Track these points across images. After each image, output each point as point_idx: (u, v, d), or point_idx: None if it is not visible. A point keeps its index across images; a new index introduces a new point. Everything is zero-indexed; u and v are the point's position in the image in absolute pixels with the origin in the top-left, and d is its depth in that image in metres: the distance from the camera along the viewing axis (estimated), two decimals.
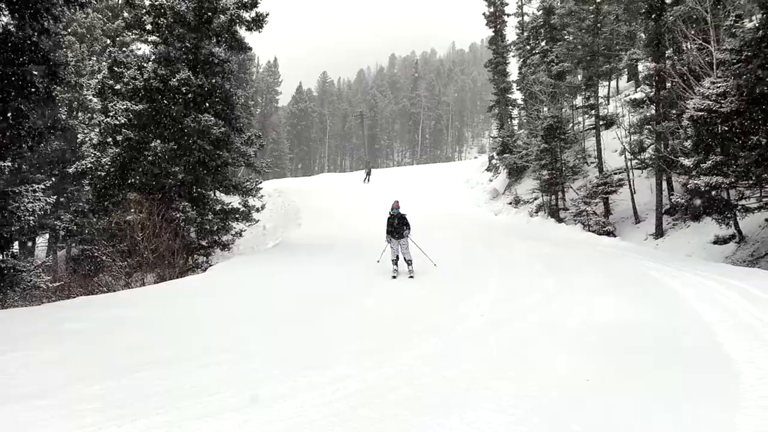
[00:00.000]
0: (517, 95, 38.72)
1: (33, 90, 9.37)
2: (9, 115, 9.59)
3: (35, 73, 9.32)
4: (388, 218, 13.23)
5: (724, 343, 6.47)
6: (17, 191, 9.84)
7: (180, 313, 9.20)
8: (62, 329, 7.67)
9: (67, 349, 6.71)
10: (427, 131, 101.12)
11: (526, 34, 36.31)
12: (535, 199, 27.15)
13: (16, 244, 11.08)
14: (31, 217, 9.98)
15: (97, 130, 23.28)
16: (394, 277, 12.50)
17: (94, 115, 24.48)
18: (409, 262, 12.65)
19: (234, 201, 18.56)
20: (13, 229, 9.99)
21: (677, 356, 6.26)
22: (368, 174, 41.78)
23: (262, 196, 19.07)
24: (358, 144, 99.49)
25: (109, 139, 15.91)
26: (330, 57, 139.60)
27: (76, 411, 4.64)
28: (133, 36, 32.42)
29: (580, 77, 29.49)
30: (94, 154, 14.87)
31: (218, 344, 7.08)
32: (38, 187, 10.32)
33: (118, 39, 30.98)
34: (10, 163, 10.33)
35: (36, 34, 9.30)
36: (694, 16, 19.19)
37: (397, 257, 12.85)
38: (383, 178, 42.88)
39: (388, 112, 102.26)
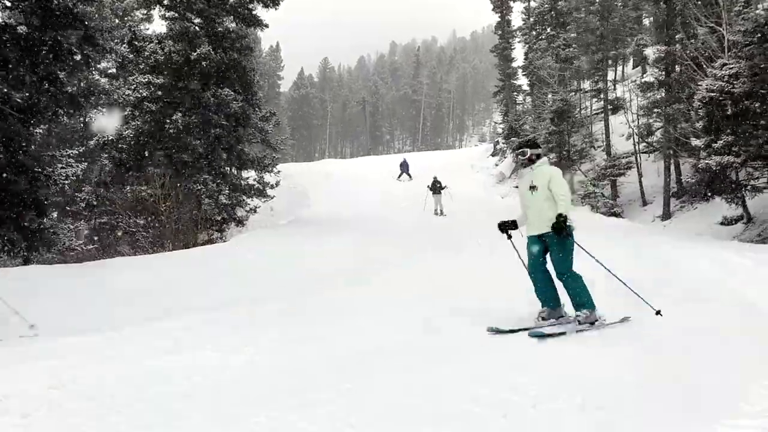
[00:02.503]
0: (522, 81, 38.94)
1: (69, 56, 9.58)
2: (44, 81, 9.77)
3: (73, 39, 9.50)
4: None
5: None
6: (53, 155, 10.07)
7: (213, 271, 9.48)
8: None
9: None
10: (428, 119, 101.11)
11: (532, 19, 36.40)
12: None
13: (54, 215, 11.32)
14: (66, 182, 10.21)
15: (104, 110, 23.31)
16: None
17: (102, 96, 24.60)
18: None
19: (249, 177, 18.79)
20: (50, 192, 10.21)
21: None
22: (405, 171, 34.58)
23: (278, 171, 19.30)
24: (359, 131, 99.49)
25: (128, 112, 16.08)
26: (330, 42, 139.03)
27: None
28: (141, 17, 32.46)
29: (585, 63, 29.67)
30: (116, 126, 15.07)
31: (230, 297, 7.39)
32: (72, 153, 10.55)
33: (126, 18, 30.96)
34: (42, 130, 10.50)
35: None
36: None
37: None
38: (387, 164, 43.02)
39: (389, 99, 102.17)
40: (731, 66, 15.66)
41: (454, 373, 4.22)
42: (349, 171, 38.84)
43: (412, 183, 31.94)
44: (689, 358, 4.82)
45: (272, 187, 19.05)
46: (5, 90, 9.54)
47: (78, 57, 9.69)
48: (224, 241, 16.60)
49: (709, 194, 18.00)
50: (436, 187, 22.17)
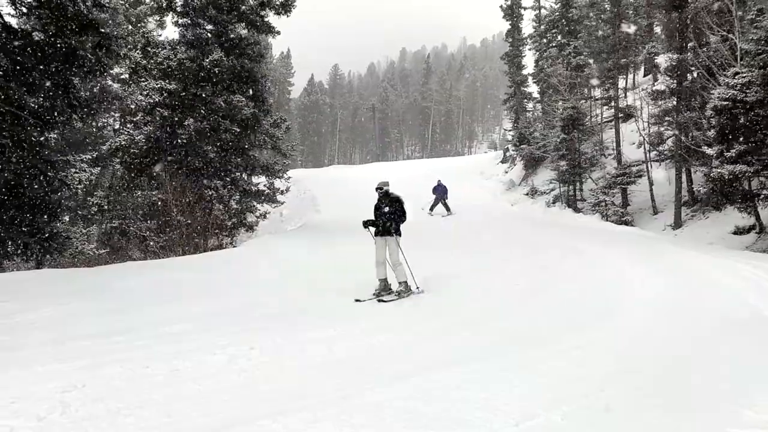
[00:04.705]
0: (532, 88, 38.95)
1: (83, 62, 9.70)
2: (58, 86, 9.89)
3: (89, 44, 9.62)
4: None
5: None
6: (66, 160, 10.19)
7: (220, 277, 9.52)
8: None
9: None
10: (438, 126, 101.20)
11: (543, 27, 36.44)
12: (552, 189, 27.36)
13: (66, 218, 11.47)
14: (79, 187, 10.32)
15: (117, 115, 23.52)
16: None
17: (115, 101, 24.88)
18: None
19: (260, 183, 18.88)
20: (64, 196, 10.32)
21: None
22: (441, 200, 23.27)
23: (289, 177, 19.39)
24: (368, 137, 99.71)
25: (139, 118, 16.23)
26: (341, 49, 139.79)
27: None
28: (155, 23, 32.80)
29: (595, 70, 29.62)
30: (129, 132, 15.21)
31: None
32: (85, 157, 10.68)
33: (139, 24, 31.31)
34: (56, 135, 10.62)
35: (88, 6, 9.60)
36: (718, 8, 19.31)
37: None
38: (396, 170, 43.17)
39: (398, 106, 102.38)
40: (744, 75, 15.59)
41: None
42: (358, 177, 38.93)
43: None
44: (690, 364, 4.79)
45: (282, 192, 19.12)
46: (20, 95, 9.67)
47: (92, 62, 9.81)
48: (234, 247, 16.66)
49: (722, 203, 17.85)
50: (379, 225, 8.72)
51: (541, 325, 6.39)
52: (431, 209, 23.08)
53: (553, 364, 4.81)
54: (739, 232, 17.57)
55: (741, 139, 15.68)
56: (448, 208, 22.79)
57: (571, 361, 4.89)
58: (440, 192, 23.24)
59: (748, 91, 15.33)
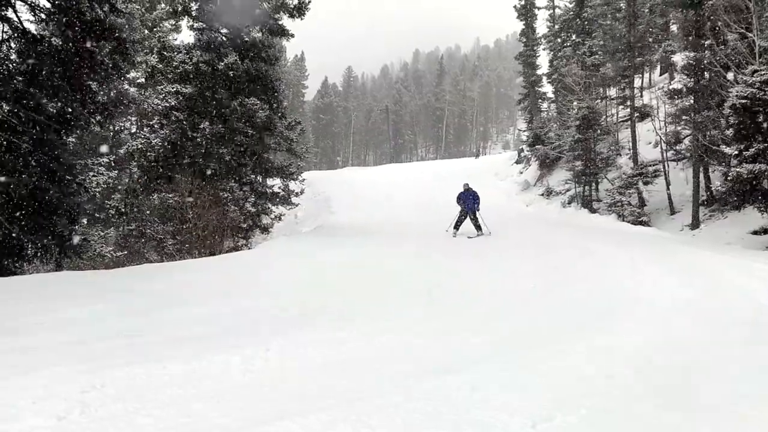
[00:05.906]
0: (546, 88, 38.74)
1: (101, 66, 9.84)
2: (77, 90, 10.04)
3: (107, 49, 9.77)
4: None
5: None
6: (84, 164, 10.36)
7: (232, 279, 9.58)
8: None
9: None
10: (451, 127, 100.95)
11: (557, 26, 36.24)
12: (568, 190, 27.17)
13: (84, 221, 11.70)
14: (97, 190, 10.49)
15: (134, 119, 23.81)
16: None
17: (131, 105, 25.16)
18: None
19: (274, 185, 18.99)
20: (82, 199, 10.48)
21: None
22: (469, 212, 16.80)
23: (303, 180, 19.48)
24: (382, 139, 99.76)
25: (155, 121, 16.42)
26: (354, 51, 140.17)
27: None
28: (170, 27, 33.13)
29: (611, 70, 29.36)
30: (145, 135, 15.40)
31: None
32: (103, 161, 10.84)
33: (155, 29, 31.66)
34: (74, 139, 10.77)
35: (105, 11, 9.75)
36: (736, 5, 19.05)
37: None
38: (410, 171, 43.21)
39: (412, 107, 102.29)
40: (763, 72, 15.38)
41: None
42: (372, 179, 38.99)
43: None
44: (692, 364, 4.75)
45: (297, 194, 19.22)
46: (40, 99, 9.84)
47: (110, 67, 9.96)
48: (250, 249, 16.76)
49: (741, 203, 17.60)
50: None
51: (542, 326, 6.39)
52: (455, 227, 16.53)
53: (554, 364, 4.81)
54: (758, 232, 17.31)
55: (760, 137, 15.46)
56: (478, 227, 16.43)
57: (571, 361, 4.90)
58: (468, 203, 16.75)
59: (767, 89, 15.12)
